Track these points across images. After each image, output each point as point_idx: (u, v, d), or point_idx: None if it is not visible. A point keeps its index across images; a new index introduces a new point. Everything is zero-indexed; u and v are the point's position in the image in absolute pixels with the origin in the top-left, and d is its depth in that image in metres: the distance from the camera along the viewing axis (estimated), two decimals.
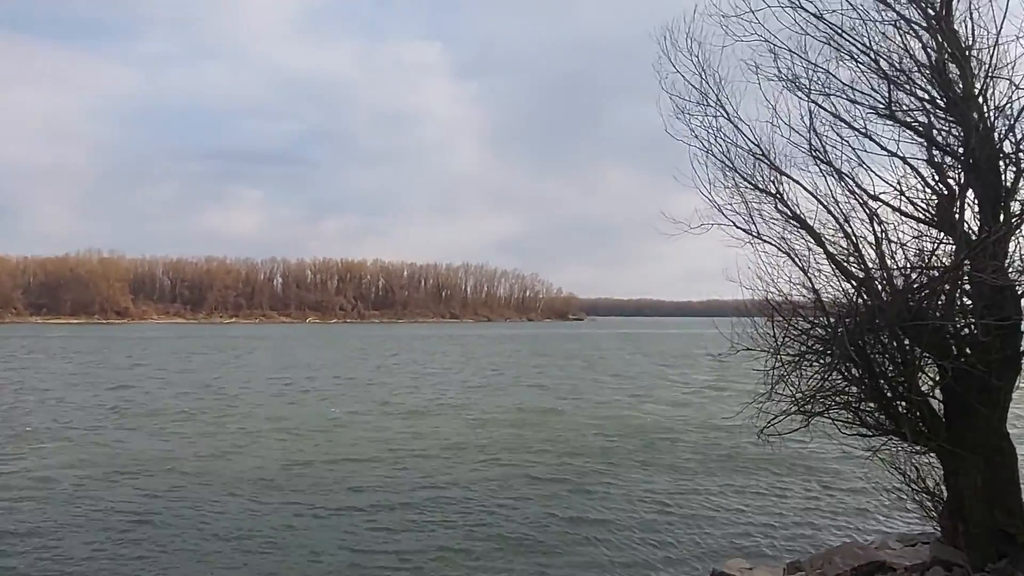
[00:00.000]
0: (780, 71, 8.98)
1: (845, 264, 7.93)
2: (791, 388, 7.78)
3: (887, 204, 8.21)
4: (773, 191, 8.49)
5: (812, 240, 8.17)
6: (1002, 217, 7.97)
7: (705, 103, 9.15)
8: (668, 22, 9.16)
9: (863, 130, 8.78)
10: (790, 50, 8.93)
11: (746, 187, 8.72)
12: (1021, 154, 8.36)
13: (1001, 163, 8.01)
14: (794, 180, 8.50)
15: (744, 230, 8.43)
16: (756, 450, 12.62)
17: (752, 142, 8.76)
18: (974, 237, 7.69)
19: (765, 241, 8.30)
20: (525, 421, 24.05)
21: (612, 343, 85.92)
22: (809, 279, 7.85)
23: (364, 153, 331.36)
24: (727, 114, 8.94)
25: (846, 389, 7.58)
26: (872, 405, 7.46)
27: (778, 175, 8.56)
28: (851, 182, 8.37)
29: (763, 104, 8.98)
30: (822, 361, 7.62)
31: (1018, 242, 7.96)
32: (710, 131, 9.00)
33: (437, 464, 16.89)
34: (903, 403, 7.31)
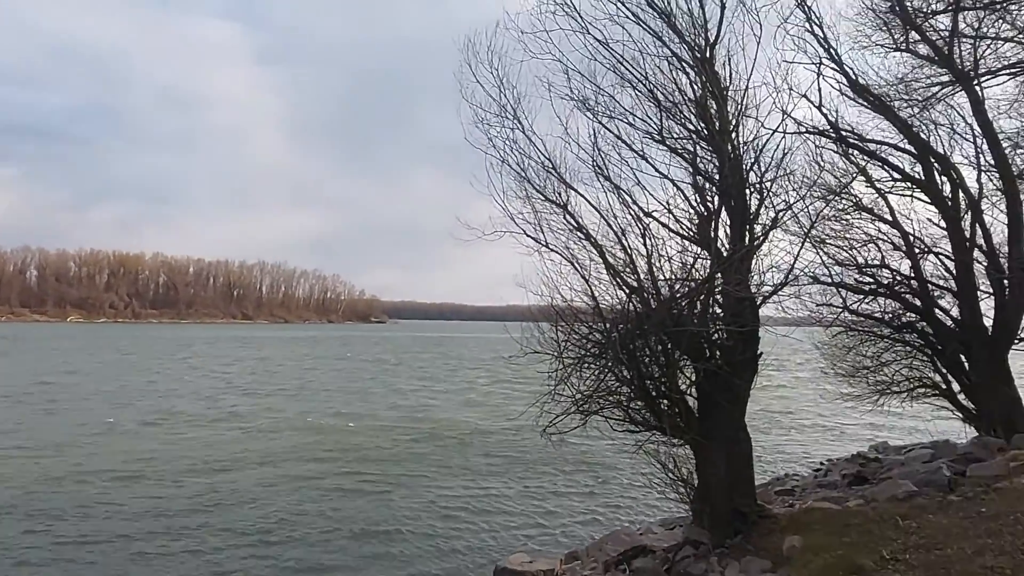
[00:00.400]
0: (572, 91, 9.65)
1: (621, 274, 8.63)
2: (572, 389, 8.27)
3: (658, 221, 9.09)
4: (561, 203, 9.02)
5: (594, 251, 8.79)
6: (747, 238, 9.18)
7: (503, 115, 9.52)
8: (471, 32, 9.40)
9: (641, 152, 9.70)
10: (580, 73, 9.64)
11: (537, 198, 9.18)
12: (764, 184, 9.73)
13: (748, 190, 9.24)
14: (580, 194, 9.14)
15: (533, 239, 8.86)
16: (540, 449, 13.30)
17: (544, 155, 9.27)
18: (724, 254, 8.75)
19: (552, 250, 8.78)
20: (312, 428, 23.10)
21: (411, 346, 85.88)
22: (590, 287, 8.43)
23: (147, 135, 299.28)
24: (523, 127, 9.39)
25: (618, 389, 8.24)
26: (640, 403, 8.19)
27: (566, 188, 9.12)
28: (629, 199, 9.18)
29: (556, 120, 9.59)
30: (599, 363, 8.20)
31: (759, 260, 9.27)
32: (507, 142, 9.38)
33: (209, 480, 15.57)
34: (665, 401, 8.12)
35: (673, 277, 8.46)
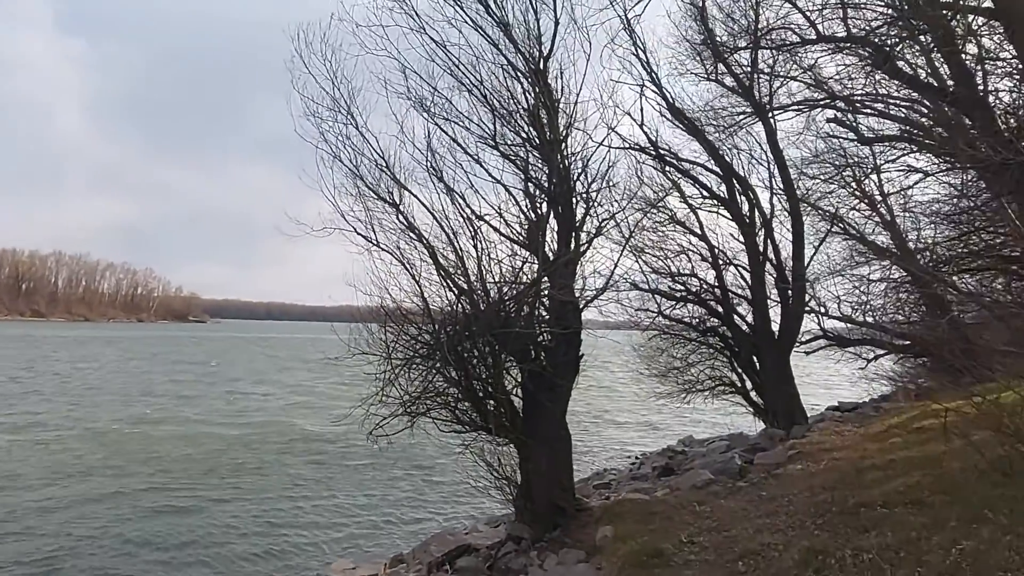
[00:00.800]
0: (409, 90, 9.56)
1: (452, 276, 8.69)
2: (400, 391, 8.18)
3: (490, 224, 9.27)
4: (394, 202, 8.90)
5: (426, 252, 8.77)
6: (572, 244, 9.63)
7: (336, 109, 9.21)
8: (304, 21, 8.99)
9: (475, 156, 9.83)
10: (417, 73, 9.59)
11: (369, 196, 8.97)
12: (590, 193, 10.24)
13: (575, 199, 9.70)
14: (413, 194, 9.06)
15: (364, 237, 8.65)
16: (367, 452, 13.04)
17: (378, 153, 9.08)
18: (551, 258, 9.12)
19: (383, 249, 8.63)
20: (107, 438, 20.51)
21: (232, 347, 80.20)
22: (420, 288, 8.39)
23: None
24: (357, 123, 9.13)
25: (446, 390, 8.28)
26: (467, 404, 8.29)
27: (399, 188, 9.01)
28: (462, 201, 9.27)
29: (391, 119, 9.45)
30: (427, 365, 8.19)
31: (583, 265, 9.76)
32: (340, 138, 9.07)
33: None
34: (491, 401, 8.29)
35: (502, 280, 8.64)
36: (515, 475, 8.50)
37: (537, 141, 9.61)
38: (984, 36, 6.76)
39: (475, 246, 8.72)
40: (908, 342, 16.95)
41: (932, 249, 10.52)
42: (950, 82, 6.29)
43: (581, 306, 9.10)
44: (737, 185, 15.12)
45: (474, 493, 9.85)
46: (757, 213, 15.05)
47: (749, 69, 14.39)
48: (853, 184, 15.95)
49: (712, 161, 15.37)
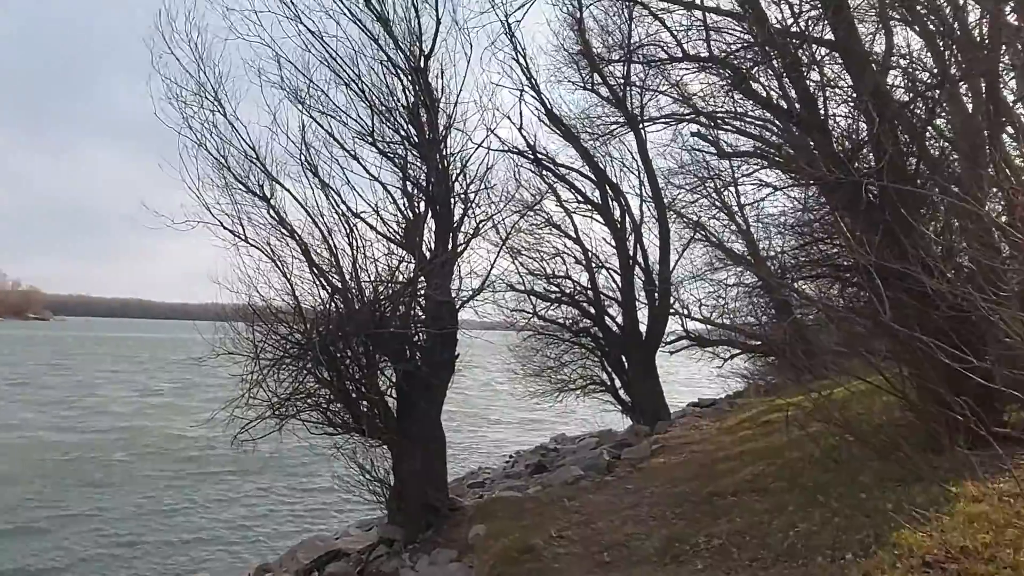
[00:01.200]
0: (283, 80, 9.17)
1: (326, 274, 8.43)
2: (268, 392, 7.83)
3: (366, 222, 9.08)
4: (264, 196, 8.51)
5: (298, 248, 8.46)
6: (450, 244, 9.64)
7: (202, 95, 8.69)
8: None
9: (352, 152, 9.61)
10: (292, 63, 9.23)
11: (238, 188, 8.52)
12: (469, 194, 10.29)
13: (453, 199, 9.72)
14: (286, 188, 8.71)
15: (231, 232, 8.21)
16: (230, 458, 12.35)
17: (248, 144, 8.65)
18: (429, 258, 9.08)
19: (252, 245, 8.23)
20: None
21: (79, 348, 73.02)
22: (291, 286, 8.08)
23: None
24: (225, 111, 8.65)
25: (318, 391, 8.01)
26: (339, 405, 8.07)
27: (271, 181, 8.63)
28: (338, 198, 9.03)
29: (264, 109, 9.03)
30: (298, 365, 7.90)
31: (460, 266, 9.80)
32: (206, 125, 8.56)
33: None
34: (365, 402, 8.12)
35: (378, 279, 8.50)
36: (388, 477, 8.38)
37: (416, 140, 9.53)
38: (826, 65, 7.47)
39: (350, 244, 8.52)
40: (758, 342, 18.47)
41: (779, 257, 11.50)
42: (797, 105, 6.90)
43: (457, 306, 9.13)
44: (610, 191, 15.79)
45: (346, 497, 9.59)
46: (628, 219, 15.79)
47: (622, 81, 15.06)
48: (714, 195, 17.17)
49: (587, 167, 15.96)
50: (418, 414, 8.27)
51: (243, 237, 8.21)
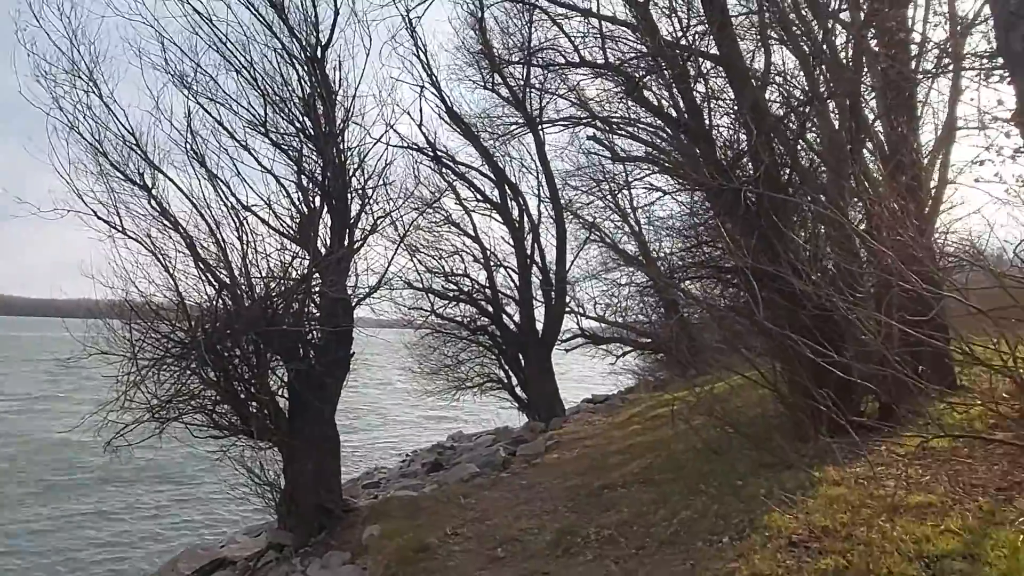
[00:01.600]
0: (168, 63, 8.67)
1: (213, 269, 8.03)
2: (146, 394, 7.37)
3: (258, 216, 8.74)
4: (145, 185, 8.01)
5: (183, 242, 8.01)
6: (346, 240, 9.45)
7: (75, 73, 8.08)
8: None
9: (243, 143, 9.23)
10: (178, 45, 8.74)
11: (115, 176, 7.98)
12: (366, 190, 10.12)
13: (350, 195, 9.53)
14: (169, 178, 8.23)
15: (107, 222, 7.67)
16: (103, 465, 11.44)
17: (127, 129, 8.12)
18: (324, 254, 8.86)
19: (131, 237, 7.72)
20: None
21: None
22: (174, 281, 7.63)
23: None
24: (100, 92, 8.08)
25: (203, 393, 7.63)
26: (227, 407, 7.71)
27: (152, 169, 8.13)
28: (227, 190, 8.63)
29: (145, 92, 8.50)
30: (181, 365, 7.48)
31: (356, 263, 9.62)
32: (79, 106, 7.96)
33: None
34: (254, 403, 7.80)
35: (269, 275, 8.19)
36: (279, 480, 8.11)
37: (312, 132, 9.28)
38: (712, 79, 7.92)
39: (240, 238, 8.17)
40: (648, 340, 19.30)
41: (668, 259, 12.06)
42: (685, 115, 7.27)
43: (354, 304, 8.96)
44: (509, 191, 15.97)
45: (231, 503, 9.16)
46: (526, 218, 16.01)
47: (523, 83, 15.26)
48: (608, 197, 17.79)
49: (486, 166, 16.07)
50: (311, 414, 8.05)
51: (120, 228, 7.70)
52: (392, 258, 9.54)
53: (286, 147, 9.19)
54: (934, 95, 7.13)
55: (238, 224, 8.24)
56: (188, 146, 8.27)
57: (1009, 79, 3.65)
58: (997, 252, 5.52)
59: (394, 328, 16.68)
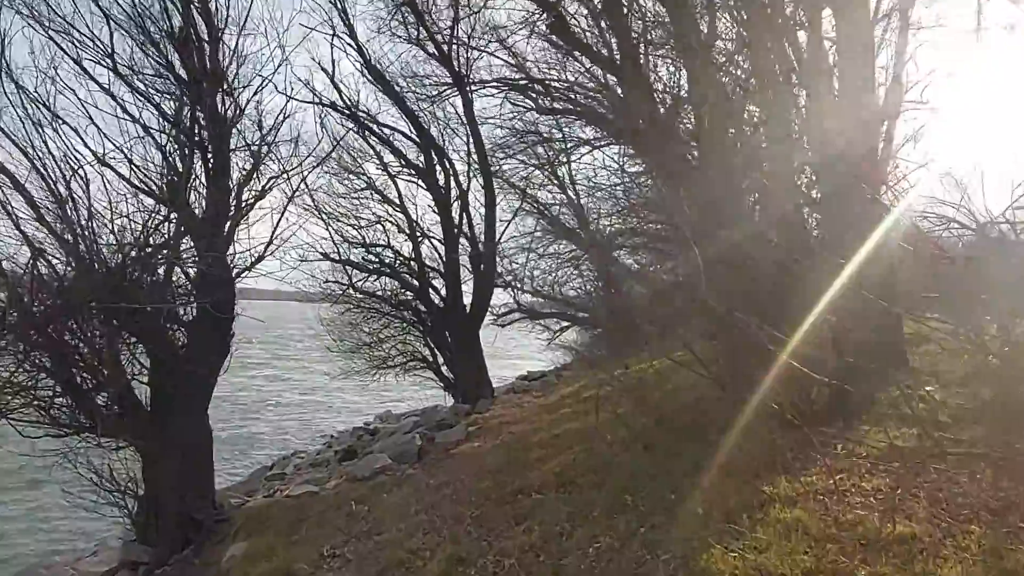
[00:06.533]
0: None
1: (54, 230, 6.60)
2: None
3: (113, 169, 7.29)
4: None
5: (20, 197, 6.57)
6: (234, 204, 8.11)
7: None
8: None
9: (107, 86, 7.74)
10: None
11: None
12: (262, 146, 8.76)
13: (232, 150, 8.17)
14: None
15: None
16: None
17: None
18: (200, 217, 7.52)
19: None
20: None
21: None
22: None
23: None
24: None
25: (36, 383, 6.24)
26: (67, 400, 6.34)
27: None
28: (71, 132, 7.14)
29: None
30: (6, 351, 6.08)
31: (243, 229, 8.29)
32: None
33: None
34: (104, 395, 6.46)
35: (123, 240, 6.79)
36: (137, 486, 6.81)
37: (185, 75, 7.86)
38: (651, 25, 6.88)
39: (86, 194, 6.72)
40: (585, 315, 18.43)
41: (602, 227, 11.14)
42: (616, 54, 6.21)
43: (235, 275, 7.65)
44: (435, 155, 14.65)
45: (79, 513, 7.67)
46: (453, 184, 14.73)
47: (450, 35, 13.93)
48: (542, 162, 16.59)
49: (411, 128, 14.68)
50: (178, 407, 6.76)
51: None
52: (278, 222, 8.10)
53: (151, 90, 7.75)
54: None
55: (85, 178, 6.78)
56: (16, 80, 6.73)
57: None
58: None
59: (314, 303, 15.28)
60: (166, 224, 7.40)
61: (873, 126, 5.78)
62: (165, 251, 6.90)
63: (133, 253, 6.94)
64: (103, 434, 6.34)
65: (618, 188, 11.16)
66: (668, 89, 6.39)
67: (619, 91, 7.19)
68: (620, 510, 4.28)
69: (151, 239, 7.03)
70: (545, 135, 15.10)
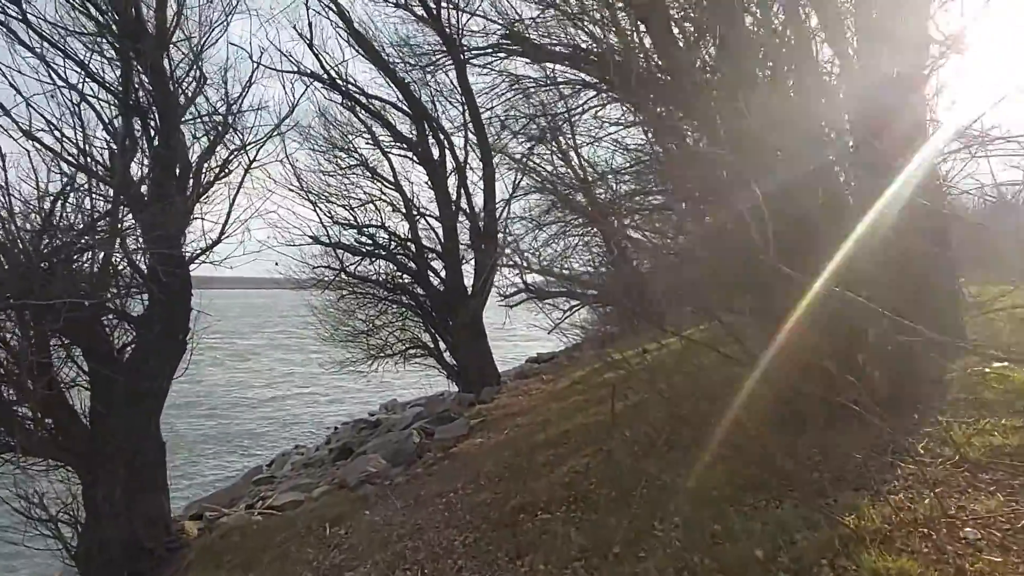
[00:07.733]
0: None
1: None
2: None
3: (41, 142, 6.27)
4: None
5: None
6: (191, 182, 7.12)
7: None
8: None
9: (40, 54, 6.71)
10: None
11: None
12: (227, 117, 7.74)
13: (191, 124, 7.16)
14: None
15: None
16: None
17: None
18: (144, 198, 6.52)
19: None
20: None
21: None
22: None
23: None
24: None
25: None
26: None
27: None
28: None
29: None
30: None
31: (201, 209, 7.28)
32: None
33: None
34: (28, 407, 5.49)
35: (47, 220, 5.79)
36: (76, 511, 5.86)
37: (120, 30, 6.81)
38: None
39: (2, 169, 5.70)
40: (595, 292, 17.33)
41: (615, 203, 10.03)
42: None
43: (189, 260, 6.64)
44: (428, 127, 13.53)
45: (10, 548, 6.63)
46: (449, 158, 13.62)
47: None
48: (549, 137, 15.39)
49: (402, 99, 13.55)
50: (121, 419, 5.79)
51: None
52: (234, 197, 7.04)
53: (88, 55, 6.71)
54: None
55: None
56: None
57: None
58: None
59: (306, 289, 14.26)
60: (104, 204, 6.39)
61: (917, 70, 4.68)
62: (98, 233, 5.87)
63: (63, 237, 5.94)
64: (26, 453, 5.38)
65: (628, 148, 10.09)
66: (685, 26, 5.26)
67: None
68: (644, 537, 3.26)
69: (83, 220, 6.02)
70: (546, 103, 13.96)
